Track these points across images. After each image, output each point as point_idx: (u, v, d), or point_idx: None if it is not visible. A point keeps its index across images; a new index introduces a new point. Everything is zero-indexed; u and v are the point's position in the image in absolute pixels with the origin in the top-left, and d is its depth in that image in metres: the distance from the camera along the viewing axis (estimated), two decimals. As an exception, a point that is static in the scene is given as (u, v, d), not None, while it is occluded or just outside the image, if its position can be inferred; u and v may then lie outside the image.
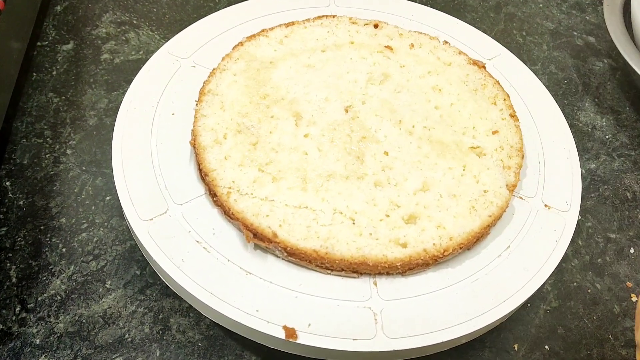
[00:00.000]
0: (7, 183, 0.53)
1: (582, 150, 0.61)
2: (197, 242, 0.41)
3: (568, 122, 0.53)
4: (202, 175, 0.44)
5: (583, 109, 0.66)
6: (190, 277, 0.39)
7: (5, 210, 0.52)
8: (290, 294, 0.39)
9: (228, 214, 0.42)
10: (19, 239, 0.50)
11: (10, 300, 0.47)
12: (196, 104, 0.48)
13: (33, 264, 0.49)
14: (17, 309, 0.47)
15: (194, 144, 0.45)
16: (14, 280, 0.48)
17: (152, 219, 0.42)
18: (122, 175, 0.44)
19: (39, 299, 0.47)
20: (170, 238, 0.41)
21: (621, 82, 0.69)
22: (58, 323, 0.46)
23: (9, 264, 0.49)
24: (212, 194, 0.43)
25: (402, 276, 0.41)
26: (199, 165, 0.44)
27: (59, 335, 0.46)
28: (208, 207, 0.43)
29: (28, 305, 0.47)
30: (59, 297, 0.47)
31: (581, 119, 0.65)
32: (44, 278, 0.48)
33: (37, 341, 0.45)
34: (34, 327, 0.46)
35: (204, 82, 0.49)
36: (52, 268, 0.49)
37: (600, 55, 0.72)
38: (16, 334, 0.45)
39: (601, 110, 0.66)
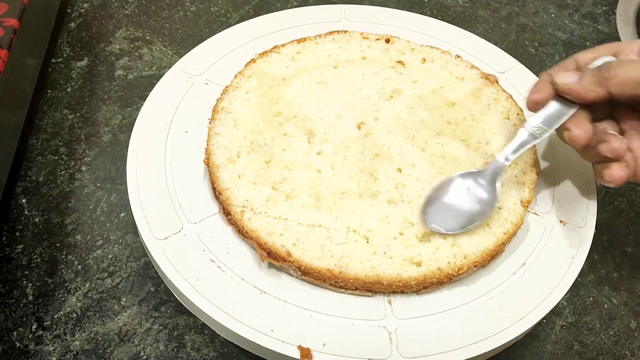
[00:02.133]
0: (23, 200, 0.54)
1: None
2: (212, 261, 0.41)
3: (582, 135, 0.53)
4: (216, 193, 0.44)
5: (597, 120, 0.65)
6: (205, 297, 0.39)
7: (21, 227, 0.52)
8: (305, 313, 0.39)
9: (242, 232, 0.42)
10: (35, 256, 0.51)
11: (27, 318, 0.47)
12: (209, 122, 0.48)
13: (49, 281, 0.49)
14: (34, 326, 0.47)
15: (207, 163, 0.45)
16: (30, 297, 0.48)
17: (166, 238, 0.42)
18: (136, 194, 0.44)
19: (55, 316, 0.48)
20: (185, 257, 0.41)
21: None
22: (74, 341, 0.46)
23: (25, 282, 0.49)
24: (226, 212, 0.43)
25: (416, 294, 0.41)
26: (212, 184, 0.44)
27: (75, 353, 0.46)
28: (222, 226, 0.44)
29: (44, 323, 0.47)
30: (74, 315, 0.48)
31: (595, 130, 0.64)
32: (60, 295, 0.49)
33: (54, 359, 0.46)
34: (50, 345, 0.46)
35: (217, 100, 0.49)
36: (67, 285, 0.49)
37: (614, 65, 0.71)
38: (33, 352, 0.46)
39: (615, 122, 0.65)
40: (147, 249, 0.42)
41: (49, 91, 0.62)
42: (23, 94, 0.57)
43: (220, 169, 0.44)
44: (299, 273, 0.40)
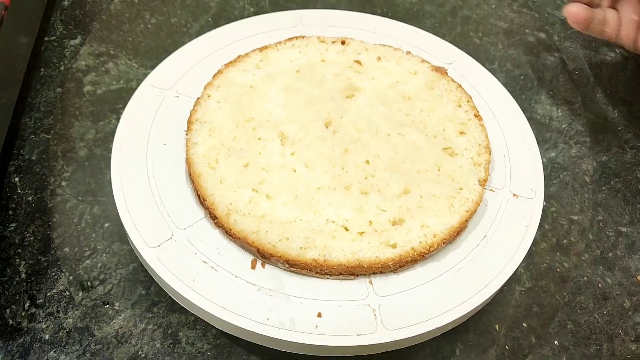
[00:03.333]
0: (16, 179, 0.55)
1: (541, 141, 0.66)
2: (204, 262, 0.45)
3: (527, 116, 0.58)
4: (201, 200, 0.47)
5: (540, 102, 0.71)
6: (203, 295, 0.43)
7: (14, 206, 0.53)
8: (296, 300, 0.43)
9: (229, 234, 0.45)
10: (28, 234, 0.52)
11: (19, 296, 0.49)
12: (186, 133, 0.51)
13: (42, 259, 0.51)
14: (27, 304, 0.49)
15: (189, 172, 0.48)
16: (23, 275, 0.50)
17: (159, 245, 0.45)
18: (125, 208, 0.47)
19: (48, 294, 0.49)
20: (179, 261, 0.44)
21: (572, 74, 0.74)
22: (67, 318, 0.49)
23: (18, 260, 0.51)
24: (212, 216, 0.46)
25: (394, 273, 0.45)
26: (196, 191, 0.48)
27: (67, 330, 0.48)
28: (210, 229, 0.47)
29: (37, 301, 0.49)
30: (67, 293, 0.50)
31: (538, 111, 0.70)
32: (53, 274, 0.51)
33: (47, 336, 0.47)
34: (43, 323, 0.48)
35: (191, 112, 0.52)
36: (60, 264, 0.51)
37: (552, 50, 0.77)
38: (26, 329, 0.48)
39: (556, 102, 0.71)
40: (141, 257, 0.45)
41: (42, 69, 0.63)
42: (15, 72, 0.58)
43: (202, 176, 0.48)
44: (287, 265, 0.44)
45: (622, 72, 0.75)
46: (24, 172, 0.56)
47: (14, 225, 0.53)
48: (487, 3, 0.83)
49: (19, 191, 0.55)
